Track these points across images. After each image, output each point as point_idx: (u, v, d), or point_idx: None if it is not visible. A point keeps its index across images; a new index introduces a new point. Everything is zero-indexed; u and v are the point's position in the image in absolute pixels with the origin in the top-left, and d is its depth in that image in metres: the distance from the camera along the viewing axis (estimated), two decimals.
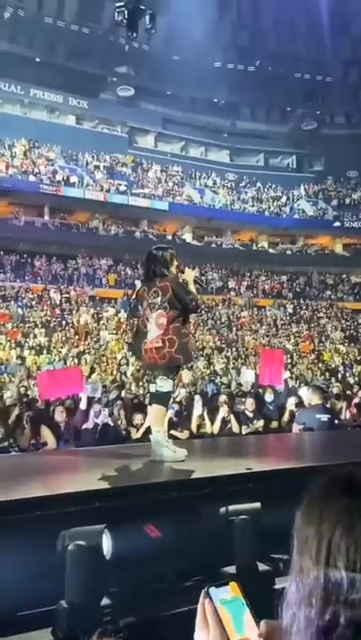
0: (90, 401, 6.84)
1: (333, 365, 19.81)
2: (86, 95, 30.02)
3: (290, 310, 26.61)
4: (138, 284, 3.83)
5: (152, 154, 31.90)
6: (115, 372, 15.10)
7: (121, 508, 2.25)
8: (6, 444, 5.36)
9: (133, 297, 3.80)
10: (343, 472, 0.71)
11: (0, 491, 2.33)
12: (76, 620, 1.89)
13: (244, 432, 6.83)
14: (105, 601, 2.02)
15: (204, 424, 6.82)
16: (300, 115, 33.28)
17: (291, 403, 6.90)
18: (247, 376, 10.98)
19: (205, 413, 6.90)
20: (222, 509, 2.37)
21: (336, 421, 6.41)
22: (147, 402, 5.12)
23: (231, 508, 2.36)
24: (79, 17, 27.78)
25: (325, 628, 0.62)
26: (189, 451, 3.33)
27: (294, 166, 35.45)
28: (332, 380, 16.06)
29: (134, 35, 14.53)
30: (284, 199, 32.60)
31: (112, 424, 6.38)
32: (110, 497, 2.30)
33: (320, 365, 19.74)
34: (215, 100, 32.58)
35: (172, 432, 5.97)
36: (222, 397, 7.67)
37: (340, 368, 19.24)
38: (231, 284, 27.62)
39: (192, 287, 3.45)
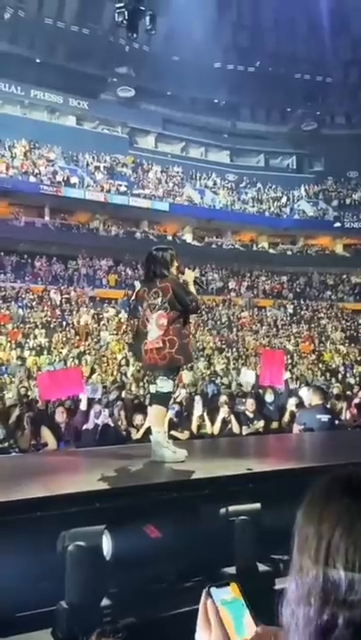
0: (90, 402, 6.84)
1: (334, 366, 19.82)
2: (87, 96, 30.04)
3: (290, 311, 26.61)
4: (137, 284, 3.83)
5: (152, 154, 31.92)
6: (115, 373, 15.11)
7: (121, 508, 2.25)
8: (7, 444, 5.36)
9: (133, 298, 3.81)
10: (345, 472, 0.71)
11: (0, 491, 2.33)
12: (76, 620, 1.89)
13: (244, 432, 6.83)
14: (105, 601, 2.02)
15: (204, 424, 6.81)
16: (300, 115, 33.29)
17: (291, 403, 6.90)
18: (247, 376, 10.97)
19: (206, 414, 6.90)
20: (222, 510, 2.37)
21: (336, 422, 6.40)
22: (147, 402, 5.12)
23: (231, 508, 2.36)
24: (79, 18, 27.80)
25: (324, 627, 0.62)
26: (190, 451, 3.33)
27: (294, 167, 35.46)
28: (333, 380, 16.07)
29: (134, 35, 14.52)
30: (284, 200, 32.61)
31: (112, 425, 6.38)
32: (110, 497, 2.30)
33: (320, 366, 19.75)
34: (215, 101, 32.60)
35: (173, 432, 5.97)
36: (223, 398, 7.66)
37: (341, 368, 19.25)
38: (231, 284, 27.63)
39: (192, 288, 3.45)
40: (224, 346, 20.71)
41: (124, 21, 13.26)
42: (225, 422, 6.74)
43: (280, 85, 30.85)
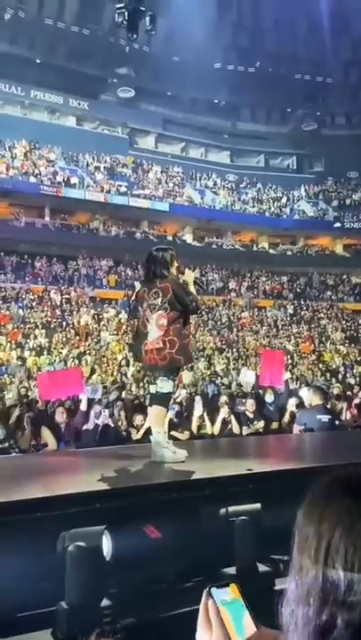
0: (90, 402, 6.84)
1: (334, 366, 19.83)
2: (87, 96, 30.05)
3: (290, 311, 26.61)
4: (137, 285, 3.83)
5: (152, 155, 31.93)
6: (115, 373, 15.11)
7: (121, 509, 2.25)
8: (7, 445, 5.36)
9: (133, 298, 3.80)
10: (346, 472, 0.71)
11: (0, 492, 2.33)
12: (76, 621, 1.89)
13: (244, 433, 6.83)
14: (105, 602, 2.02)
15: (204, 425, 6.81)
16: (300, 115, 33.29)
17: (291, 403, 6.90)
18: (247, 377, 10.97)
19: (206, 414, 6.90)
20: (222, 510, 2.37)
21: (337, 422, 6.40)
22: (147, 403, 5.12)
23: (231, 509, 2.36)
24: (79, 18, 27.81)
25: (323, 628, 0.63)
26: (190, 451, 3.33)
27: (295, 167, 35.47)
28: (333, 380, 16.07)
29: (134, 36, 14.53)
30: (284, 200, 32.62)
31: (112, 425, 6.38)
32: (110, 498, 2.30)
33: (320, 366, 19.76)
34: (215, 101, 32.61)
35: (173, 433, 5.97)
36: (223, 398, 7.66)
37: (341, 369, 19.26)
38: (232, 284, 27.63)
39: (192, 288, 3.45)
40: (224, 346, 20.72)
41: (125, 22, 13.27)
42: (225, 422, 6.74)
43: (280, 86, 30.86)
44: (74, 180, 26.77)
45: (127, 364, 15.62)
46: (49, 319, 20.30)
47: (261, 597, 0.90)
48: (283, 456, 4.10)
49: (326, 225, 31.82)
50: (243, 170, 33.88)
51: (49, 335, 18.81)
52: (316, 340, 23.44)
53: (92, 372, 14.47)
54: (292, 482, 2.42)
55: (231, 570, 2.28)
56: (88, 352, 17.52)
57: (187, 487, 2.57)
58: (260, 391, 8.32)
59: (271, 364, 8.07)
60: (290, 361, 17.61)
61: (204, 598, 0.82)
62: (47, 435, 5.47)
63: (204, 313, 22.75)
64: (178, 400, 7.68)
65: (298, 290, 28.74)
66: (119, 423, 6.67)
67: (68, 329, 19.68)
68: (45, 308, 21.14)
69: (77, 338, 19.11)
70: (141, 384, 12.15)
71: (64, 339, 18.71)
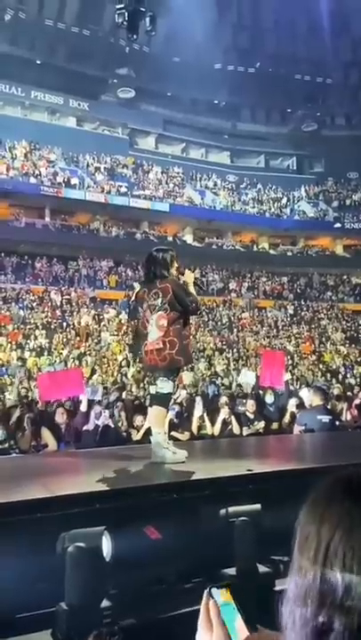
0: (90, 403, 6.84)
1: (334, 366, 19.82)
2: (87, 97, 30.07)
3: (291, 311, 26.61)
4: (136, 285, 3.83)
5: (153, 155, 31.94)
6: (115, 374, 15.11)
7: (121, 509, 2.25)
8: (7, 445, 5.36)
9: (133, 299, 3.81)
10: (348, 473, 0.71)
11: (1, 492, 2.33)
12: (76, 621, 1.89)
13: (244, 433, 6.83)
14: (105, 603, 2.02)
15: (204, 425, 6.81)
16: (300, 116, 33.30)
17: (292, 404, 6.89)
18: (247, 377, 10.98)
19: (206, 415, 6.90)
20: (222, 511, 2.36)
21: (337, 423, 6.40)
22: (147, 403, 5.12)
23: (231, 509, 2.36)
24: (80, 19, 27.83)
25: (320, 630, 0.63)
26: (190, 452, 3.33)
27: (295, 168, 35.48)
28: (333, 381, 16.08)
29: (135, 37, 14.52)
30: (284, 200, 32.62)
31: (113, 426, 6.38)
32: (110, 499, 2.29)
33: (321, 366, 19.75)
34: (216, 102, 32.62)
35: (173, 433, 5.98)
36: (223, 399, 7.67)
37: (341, 369, 19.26)
38: (232, 285, 27.63)
39: (192, 289, 3.45)
40: (224, 347, 20.71)
41: (125, 22, 13.27)
42: (225, 423, 6.74)
43: (280, 86, 30.87)
44: (74, 180, 26.78)
45: (127, 365, 15.62)
46: (49, 320, 20.30)
47: (261, 598, 0.90)
48: (283, 457, 4.10)
49: (326, 225, 31.82)
50: (243, 170, 33.89)
51: (49, 336, 18.81)
52: (317, 341, 23.44)
53: (93, 372, 14.47)
54: (293, 482, 2.42)
55: (231, 571, 2.28)
56: (88, 353, 17.52)
57: (187, 488, 2.57)
58: (261, 392, 8.32)
59: (271, 365, 8.08)
60: (290, 361, 17.61)
61: (204, 599, 0.82)
62: (47, 435, 5.47)
63: (204, 313, 22.75)
64: (178, 401, 7.68)
65: (298, 290, 28.74)
66: (119, 424, 6.68)
67: (68, 329, 19.68)
68: (46, 309, 21.14)
69: (78, 338, 19.11)
70: (142, 385, 12.15)
71: (64, 339, 18.72)
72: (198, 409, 6.81)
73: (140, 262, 20.96)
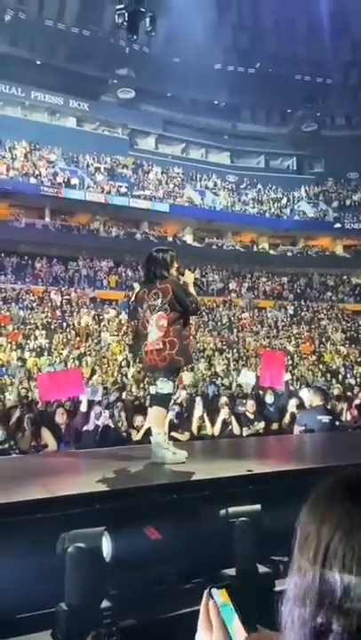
0: (90, 403, 6.84)
1: (334, 367, 19.82)
2: (87, 97, 30.07)
3: (291, 312, 26.61)
4: (136, 286, 3.84)
5: (153, 156, 31.95)
6: (115, 374, 15.11)
7: (121, 510, 2.25)
8: (7, 446, 5.36)
9: (133, 299, 3.81)
10: (348, 473, 0.71)
11: (1, 493, 2.33)
12: (76, 622, 1.89)
13: (244, 434, 6.83)
14: (105, 603, 2.02)
15: (204, 426, 6.81)
16: (300, 116, 33.31)
17: (292, 404, 6.89)
18: (247, 378, 10.98)
19: (206, 415, 6.90)
20: (222, 511, 2.36)
21: (337, 423, 6.40)
22: (147, 404, 5.12)
23: (231, 509, 2.36)
24: (80, 19, 27.84)
25: (318, 630, 0.63)
26: (190, 452, 3.33)
27: (295, 168, 35.48)
28: (333, 381, 16.07)
29: (135, 37, 14.54)
30: (284, 201, 32.63)
31: (113, 426, 6.38)
32: (110, 499, 2.29)
33: (321, 367, 19.75)
34: (216, 102, 32.63)
35: (173, 434, 5.97)
36: (223, 399, 7.67)
37: (341, 369, 19.25)
38: (232, 285, 27.63)
39: (192, 289, 3.45)
40: (225, 347, 20.71)
41: (125, 23, 13.28)
42: (225, 423, 6.74)
43: (280, 87, 30.88)
44: (74, 180, 26.78)
45: (127, 365, 15.62)
46: (49, 320, 20.30)
47: (261, 598, 0.90)
48: (283, 457, 4.10)
49: (326, 226, 31.83)
50: (243, 171, 33.90)
51: (49, 336, 18.80)
52: (317, 341, 23.43)
53: (93, 372, 14.47)
54: (293, 483, 2.42)
55: (231, 571, 2.28)
56: (88, 353, 17.52)
57: (187, 488, 2.57)
58: (261, 392, 8.32)
59: (271, 365, 8.08)
60: (290, 362, 17.60)
61: (204, 599, 0.82)
62: (47, 436, 5.47)
63: (204, 314, 22.74)
64: (178, 401, 7.68)
65: (298, 290, 28.74)
66: (119, 424, 6.68)
67: (68, 330, 19.68)
68: (46, 309, 21.14)
69: (78, 339, 19.10)
70: (142, 385, 12.15)
71: (64, 339, 18.71)
72: (198, 409, 6.81)
73: (140, 263, 20.96)
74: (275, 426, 7.31)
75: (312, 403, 5.83)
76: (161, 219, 29.15)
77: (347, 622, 0.61)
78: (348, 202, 32.64)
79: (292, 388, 10.36)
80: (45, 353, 17.36)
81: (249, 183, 33.21)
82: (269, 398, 7.79)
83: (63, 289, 23.15)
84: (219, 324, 23.60)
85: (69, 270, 24.68)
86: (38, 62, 28.34)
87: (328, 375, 17.79)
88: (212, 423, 6.78)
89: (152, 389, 3.46)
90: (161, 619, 2.13)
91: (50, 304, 21.65)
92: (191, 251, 26.93)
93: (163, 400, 3.33)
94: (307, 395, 6.54)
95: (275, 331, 24.14)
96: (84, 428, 6.20)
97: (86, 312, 21.47)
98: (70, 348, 17.88)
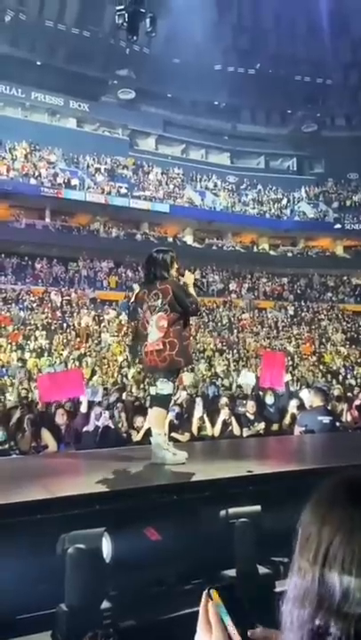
0: (90, 404, 6.84)
1: (335, 367, 19.80)
2: (87, 98, 30.10)
3: (291, 312, 26.60)
4: (135, 287, 3.84)
5: (153, 156, 31.98)
6: (116, 375, 15.10)
7: (121, 511, 2.25)
8: (7, 446, 5.37)
9: (132, 300, 3.81)
10: (351, 475, 0.71)
11: (1, 493, 2.33)
12: (76, 623, 1.89)
13: (244, 434, 6.83)
14: (105, 604, 2.02)
15: (204, 426, 6.81)
16: (300, 117, 33.34)
17: (292, 405, 6.89)
18: (247, 378, 10.97)
19: (206, 416, 6.90)
20: (223, 512, 2.36)
21: (337, 424, 6.39)
22: (147, 404, 5.12)
23: (231, 510, 2.36)
24: (80, 20, 27.87)
25: (316, 632, 0.63)
26: (190, 453, 3.33)
27: (295, 168, 35.51)
28: (334, 382, 16.06)
29: (135, 38, 14.57)
30: (284, 201, 32.65)
31: (113, 427, 6.37)
32: (110, 500, 2.29)
33: (321, 367, 19.73)
34: (216, 103, 32.66)
35: (173, 434, 5.97)
36: (223, 400, 7.67)
37: (342, 370, 19.24)
38: (232, 286, 27.63)
39: (192, 290, 3.45)
40: (225, 347, 20.70)
41: (125, 24, 13.30)
42: (225, 424, 6.74)
43: (280, 87, 30.91)
44: (74, 181, 26.80)
45: (128, 366, 15.61)
46: (49, 321, 20.30)
47: (262, 599, 0.90)
48: (283, 458, 4.10)
49: (327, 226, 31.84)
50: (243, 171, 33.93)
51: (49, 337, 18.80)
52: (317, 342, 23.42)
53: (93, 373, 14.47)
54: (293, 483, 2.42)
55: (231, 572, 2.28)
56: (88, 354, 17.52)
57: (187, 489, 2.57)
58: (261, 393, 8.32)
59: (272, 366, 8.08)
60: (290, 362, 17.59)
61: (203, 600, 0.82)
62: (47, 436, 5.47)
63: (204, 314, 22.74)
64: (178, 402, 7.68)
65: (298, 291, 28.74)
66: (119, 425, 6.67)
67: (68, 330, 19.68)
68: (46, 310, 21.14)
69: (78, 339, 19.10)
70: (142, 385, 12.14)
71: (65, 340, 18.71)
72: (198, 410, 6.81)
73: (140, 263, 20.96)
74: (275, 426, 7.31)
75: (312, 403, 5.83)
76: (161, 219, 29.16)
77: (345, 626, 0.61)
78: (348, 202, 32.66)
79: (292, 388, 10.36)
80: (45, 354, 17.36)
81: (249, 184, 33.23)
82: (270, 399, 7.79)
83: (63, 290, 23.16)
84: (219, 324, 23.59)
85: (69, 271, 24.69)
86: (38, 63, 28.38)
87: (328, 376, 17.78)
88: (213, 424, 6.78)
89: (152, 390, 3.46)
90: (161, 620, 2.13)
91: (50, 305, 21.66)
92: (191, 251, 26.94)
93: (163, 401, 3.33)
94: (307, 395, 6.54)
95: (275, 331, 24.14)
96: (84, 429, 6.20)
97: (86, 313, 21.47)
98: (70, 349, 17.88)
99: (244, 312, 25.61)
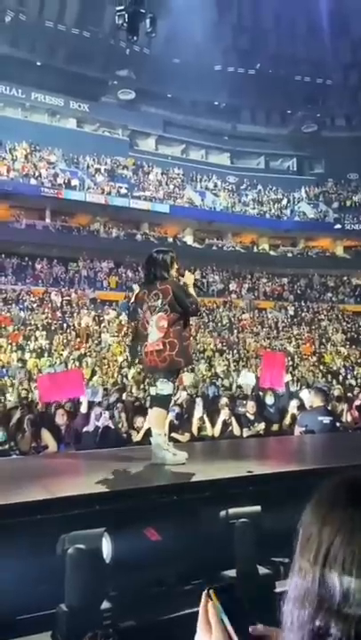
0: (90, 404, 6.84)
1: (335, 368, 19.80)
2: (87, 98, 30.11)
3: (291, 312, 26.60)
4: (135, 287, 3.84)
5: (153, 157, 31.98)
6: (116, 375, 15.10)
7: (121, 511, 2.25)
8: (7, 447, 5.37)
9: (132, 301, 3.81)
10: (352, 476, 0.71)
11: (1, 494, 2.33)
12: (76, 623, 1.88)
13: (245, 435, 6.83)
14: (105, 604, 2.02)
15: (204, 427, 6.81)
16: (300, 117, 33.34)
17: (293, 405, 6.89)
18: (247, 379, 10.98)
19: (206, 416, 6.90)
20: (223, 512, 2.36)
21: (338, 424, 6.39)
22: (147, 405, 5.12)
23: (231, 511, 2.36)
24: (80, 21, 27.88)
25: (316, 633, 0.63)
26: (190, 453, 3.33)
27: (295, 169, 35.52)
28: (334, 382, 16.06)
29: (135, 38, 14.58)
30: (284, 202, 32.65)
31: (113, 427, 6.37)
32: (110, 500, 2.29)
33: (321, 368, 19.73)
34: (216, 103, 32.66)
35: (173, 435, 5.97)
36: (223, 400, 7.67)
37: (342, 370, 19.24)
38: (232, 286, 27.63)
39: (192, 290, 3.45)
40: (225, 348, 20.70)
41: (125, 24, 13.31)
42: (225, 424, 6.74)
43: (280, 87, 30.92)
44: (74, 181, 26.81)
45: (128, 366, 15.61)
46: (49, 321, 20.30)
47: (262, 600, 0.90)
48: (283, 458, 4.10)
49: (327, 226, 31.85)
50: (243, 171, 33.93)
51: (49, 337, 18.80)
52: (317, 342, 23.42)
53: (93, 373, 14.47)
54: (293, 484, 2.42)
55: (231, 572, 2.28)
56: (89, 354, 17.51)
57: (187, 489, 2.57)
58: (261, 393, 8.32)
59: (272, 366, 8.08)
60: (290, 363, 17.59)
61: (203, 600, 0.82)
62: (47, 437, 5.47)
63: (204, 314, 22.74)
64: (178, 402, 7.68)
65: (298, 291, 28.74)
66: (119, 425, 6.67)
67: (68, 331, 19.68)
68: (46, 310, 21.14)
69: (78, 339, 19.10)
70: (142, 386, 12.13)
71: (65, 340, 18.71)
72: (198, 410, 6.81)
73: (140, 263, 20.95)
74: (275, 427, 7.31)
75: (313, 404, 5.83)
76: (161, 220, 29.16)
77: (345, 627, 0.61)
78: (348, 203, 32.66)
79: (292, 389, 10.36)
80: (46, 354, 17.36)
81: (249, 184, 33.23)
82: (270, 399, 7.79)
83: (63, 290, 23.16)
84: (219, 324, 23.59)
85: (70, 271, 24.69)
86: (39, 63, 28.39)
87: (329, 376, 17.78)
88: (213, 424, 6.78)
89: (152, 390, 3.46)
90: (161, 620, 2.13)
91: (50, 305, 21.66)
92: (191, 252, 26.95)
93: (163, 401, 3.33)
94: (307, 396, 6.54)
95: (275, 332, 24.13)
96: (85, 429, 6.20)
97: (86, 313, 21.47)
98: (70, 349, 17.88)
99: (244, 312, 25.60)
